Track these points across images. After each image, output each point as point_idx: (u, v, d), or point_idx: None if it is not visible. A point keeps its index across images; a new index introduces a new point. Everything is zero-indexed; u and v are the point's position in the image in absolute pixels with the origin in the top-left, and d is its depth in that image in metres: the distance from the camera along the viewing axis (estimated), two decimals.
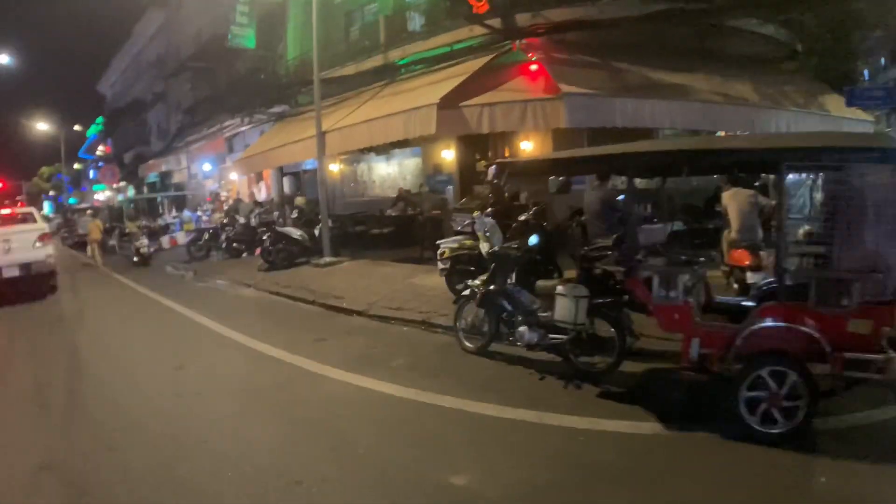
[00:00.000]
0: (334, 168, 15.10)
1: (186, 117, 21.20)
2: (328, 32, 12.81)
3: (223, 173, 20.38)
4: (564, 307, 4.38)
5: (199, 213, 17.17)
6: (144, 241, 13.84)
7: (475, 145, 12.27)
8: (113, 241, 15.85)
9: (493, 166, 5.69)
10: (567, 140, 9.58)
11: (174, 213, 21.08)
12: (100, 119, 33.34)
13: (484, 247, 5.77)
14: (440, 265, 7.36)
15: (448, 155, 12.51)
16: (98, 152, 34.36)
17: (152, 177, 27.20)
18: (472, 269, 6.59)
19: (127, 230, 20.43)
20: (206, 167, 20.45)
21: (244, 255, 12.72)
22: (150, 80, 27.37)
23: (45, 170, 46.11)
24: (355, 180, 15.46)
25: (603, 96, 8.69)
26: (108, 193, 29.71)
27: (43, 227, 10.51)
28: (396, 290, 7.85)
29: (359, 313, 7.17)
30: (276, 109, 15.35)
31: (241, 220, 13.38)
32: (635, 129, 8.68)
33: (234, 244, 12.86)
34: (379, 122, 9.62)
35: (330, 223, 10.81)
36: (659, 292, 3.73)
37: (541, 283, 5.03)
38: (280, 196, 15.67)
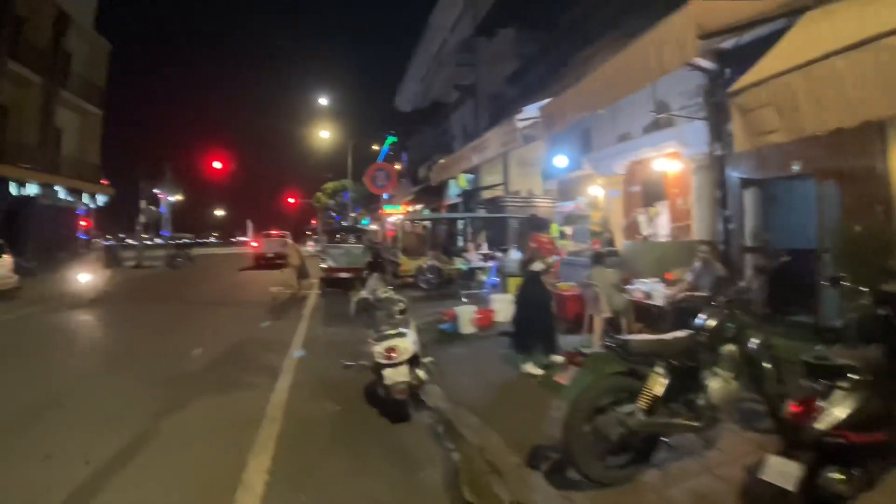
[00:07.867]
0: None
1: (510, 88, 12.78)
2: None
3: (568, 185, 10.96)
4: None
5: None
6: (409, 344, 4.37)
7: None
8: (366, 293, 6.35)
9: None
10: None
11: (486, 250, 12.48)
12: (391, 134, 28.70)
13: None
14: None
15: None
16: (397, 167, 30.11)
17: (453, 193, 19.77)
18: None
19: (401, 268, 12.88)
20: (561, 161, 10.39)
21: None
22: (454, 72, 20.90)
23: (329, 185, 42.27)
24: None
25: None
26: (398, 216, 23.94)
27: (284, 241, 19.75)
28: None
29: None
30: None
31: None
32: None
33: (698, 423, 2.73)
34: None
35: None
36: None
37: None
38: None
